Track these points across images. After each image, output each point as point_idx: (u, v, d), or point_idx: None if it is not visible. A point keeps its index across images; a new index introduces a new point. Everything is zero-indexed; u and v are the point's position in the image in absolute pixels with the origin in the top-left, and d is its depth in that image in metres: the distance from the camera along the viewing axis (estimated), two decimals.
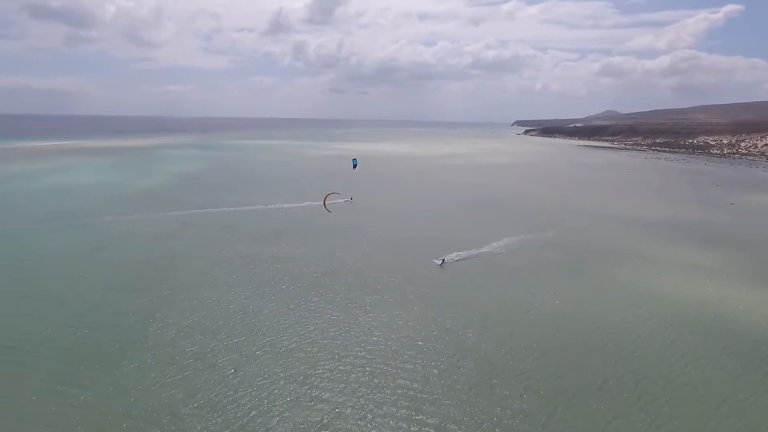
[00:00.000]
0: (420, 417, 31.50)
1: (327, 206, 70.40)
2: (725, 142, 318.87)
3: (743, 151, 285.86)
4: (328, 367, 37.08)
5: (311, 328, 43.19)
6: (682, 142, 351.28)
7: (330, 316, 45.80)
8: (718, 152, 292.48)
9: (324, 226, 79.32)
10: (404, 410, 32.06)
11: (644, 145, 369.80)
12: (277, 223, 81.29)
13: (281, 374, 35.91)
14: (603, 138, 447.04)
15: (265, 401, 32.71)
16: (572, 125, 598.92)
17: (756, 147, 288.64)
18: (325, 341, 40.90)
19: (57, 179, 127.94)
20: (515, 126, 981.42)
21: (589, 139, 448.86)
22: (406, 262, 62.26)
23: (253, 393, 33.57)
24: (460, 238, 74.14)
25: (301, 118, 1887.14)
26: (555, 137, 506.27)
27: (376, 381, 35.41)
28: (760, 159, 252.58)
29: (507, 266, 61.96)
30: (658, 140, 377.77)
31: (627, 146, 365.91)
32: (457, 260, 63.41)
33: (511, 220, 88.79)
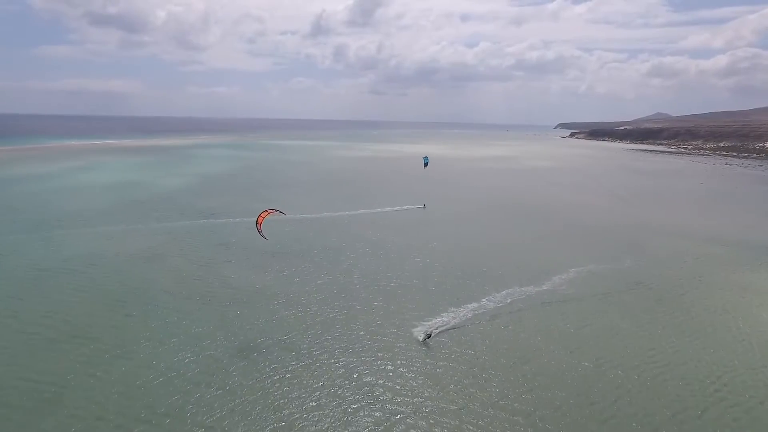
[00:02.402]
0: None
1: (261, 228, 45.26)
2: None
3: None
4: None
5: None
6: (750, 147, 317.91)
7: (316, 408, 31.41)
8: None
9: (336, 245, 65.41)
10: None
11: (706, 149, 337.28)
12: (283, 239, 68.01)
13: None
14: (657, 141, 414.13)
15: None
16: (622, 128, 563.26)
17: None
18: None
19: (74, 180, 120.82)
20: (559, 128, 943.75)
21: (642, 143, 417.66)
22: (441, 311, 47.37)
23: None
24: (513, 267, 58.58)
25: (339, 119, 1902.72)
26: (604, 140, 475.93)
27: None
28: None
29: (579, 315, 45.65)
30: (722, 144, 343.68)
31: (687, 151, 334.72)
32: (458, 321, 42.52)
33: (576, 242, 71.78)
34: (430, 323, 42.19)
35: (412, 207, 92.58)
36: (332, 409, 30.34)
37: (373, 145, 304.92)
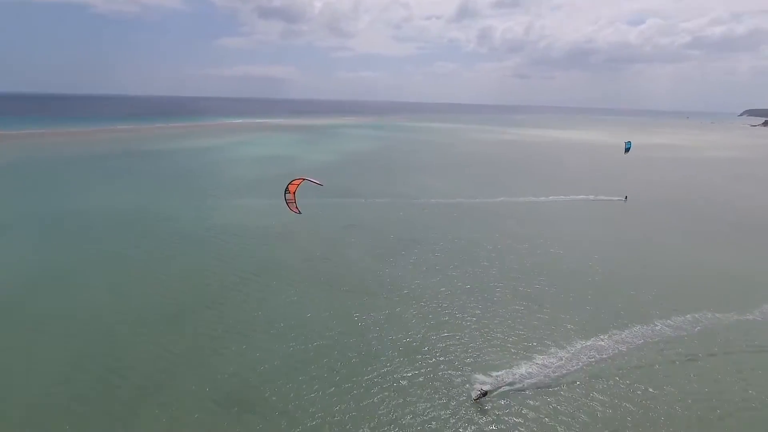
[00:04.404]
0: None
1: (294, 198, 39.06)
2: None
3: None
4: None
5: None
6: None
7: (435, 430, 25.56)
8: None
9: (471, 235, 58.14)
10: None
11: None
12: (416, 224, 62.92)
13: None
14: None
15: None
16: None
17: None
18: None
19: (234, 153, 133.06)
20: (745, 116, 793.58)
21: None
22: (599, 330, 37.96)
23: None
24: (703, 284, 45.58)
25: (480, 103, 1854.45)
26: None
27: None
28: None
29: None
30: None
31: None
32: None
33: None
34: (583, 345, 33.49)
35: (612, 198, 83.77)
36: None
37: (516, 130, 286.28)
